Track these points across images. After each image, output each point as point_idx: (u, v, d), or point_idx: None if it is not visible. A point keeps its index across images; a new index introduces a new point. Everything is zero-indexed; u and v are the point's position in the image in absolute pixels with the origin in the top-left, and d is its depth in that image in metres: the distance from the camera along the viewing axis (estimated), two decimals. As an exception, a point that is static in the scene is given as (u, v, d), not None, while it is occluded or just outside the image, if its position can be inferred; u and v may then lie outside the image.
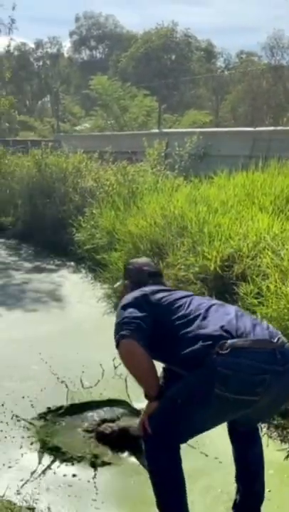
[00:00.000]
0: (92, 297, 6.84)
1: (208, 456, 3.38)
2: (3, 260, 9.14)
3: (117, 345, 2.49)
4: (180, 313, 2.55)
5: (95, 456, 3.32)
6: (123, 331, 2.47)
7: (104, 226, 8.06)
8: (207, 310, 2.56)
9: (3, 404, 3.96)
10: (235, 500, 2.78)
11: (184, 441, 2.60)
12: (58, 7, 60.68)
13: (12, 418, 3.77)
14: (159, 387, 2.56)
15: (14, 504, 2.80)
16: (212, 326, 2.44)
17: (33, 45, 42.54)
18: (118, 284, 3.29)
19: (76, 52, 43.79)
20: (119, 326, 2.51)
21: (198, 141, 10.66)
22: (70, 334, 5.55)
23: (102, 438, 3.47)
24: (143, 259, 3.30)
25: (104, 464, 3.28)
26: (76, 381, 4.31)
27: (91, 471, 3.21)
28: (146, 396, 2.59)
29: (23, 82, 38.29)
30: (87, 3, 53.21)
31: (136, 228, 7.13)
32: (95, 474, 3.19)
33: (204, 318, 2.50)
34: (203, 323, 2.47)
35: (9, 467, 3.22)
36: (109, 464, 3.29)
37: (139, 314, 2.52)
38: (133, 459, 3.34)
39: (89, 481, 3.12)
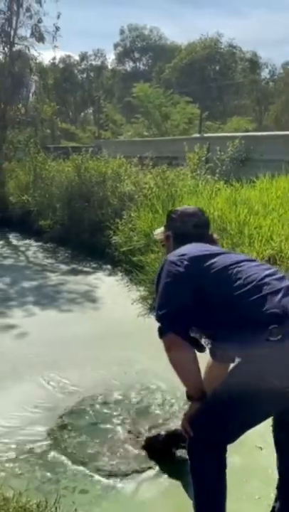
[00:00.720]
0: (127, 299, 6.71)
1: (248, 462, 3.16)
2: (40, 262, 9.12)
3: (160, 336, 2.31)
4: (230, 286, 2.24)
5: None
6: (165, 323, 2.29)
7: (141, 228, 7.95)
8: (259, 286, 2.22)
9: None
10: (274, 507, 2.56)
11: (232, 440, 2.37)
12: (104, 22, 61.70)
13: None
14: (202, 387, 2.37)
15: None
16: (266, 304, 2.15)
17: (77, 58, 43.29)
18: (158, 231, 2.82)
19: (120, 63, 44.27)
20: (160, 317, 2.31)
21: (240, 146, 10.45)
22: (103, 334, 5.41)
23: (150, 443, 3.22)
24: (190, 208, 2.88)
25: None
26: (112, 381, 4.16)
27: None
28: (189, 396, 2.41)
29: (67, 93, 38.92)
30: (132, 16, 53.90)
31: (174, 230, 6.98)
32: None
33: (257, 293, 2.19)
34: (255, 299, 2.18)
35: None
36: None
37: (181, 299, 2.29)
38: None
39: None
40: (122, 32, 43.32)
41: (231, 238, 6.18)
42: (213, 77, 36.15)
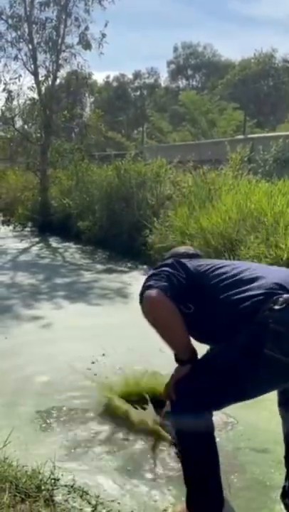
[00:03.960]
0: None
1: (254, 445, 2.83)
2: (76, 262, 9.05)
3: (141, 300, 2.08)
4: (225, 275, 2.10)
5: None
6: (151, 282, 2.07)
7: (177, 226, 7.76)
8: (256, 269, 2.13)
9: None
10: (284, 486, 2.29)
11: (218, 408, 2.16)
12: (159, 42, 62.65)
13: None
14: (190, 346, 2.10)
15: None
16: (263, 280, 1.99)
17: (131, 77, 43.97)
18: None
19: (173, 81, 44.58)
20: (147, 279, 2.13)
21: (284, 145, 10.09)
22: (131, 326, 5.18)
23: None
24: (181, 247, 2.76)
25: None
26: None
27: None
28: (177, 359, 2.14)
29: (120, 111, 39.45)
30: (187, 37, 54.45)
31: (208, 223, 6.80)
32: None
33: (253, 275, 2.05)
34: (252, 280, 2.03)
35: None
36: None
37: (172, 271, 2.11)
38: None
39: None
40: (175, 49, 43.74)
41: (266, 229, 5.89)
42: (266, 91, 35.72)
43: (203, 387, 2.00)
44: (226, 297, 2.01)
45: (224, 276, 2.09)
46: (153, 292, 2.02)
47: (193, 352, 2.10)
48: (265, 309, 1.88)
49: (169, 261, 2.21)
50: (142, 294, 2.09)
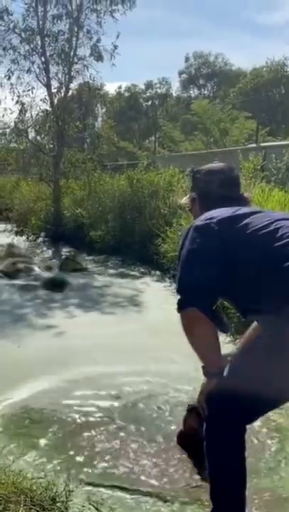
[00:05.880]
0: (172, 304, 6.41)
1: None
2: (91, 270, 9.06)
3: (179, 310, 2.09)
4: (266, 249, 1.96)
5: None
6: (186, 297, 2.07)
7: (190, 235, 7.73)
8: None
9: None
10: None
11: (252, 420, 2.15)
12: (171, 52, 63.04)
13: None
14: (220, 362, 2.10)
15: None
16: None
17: (143, 87, 44.13)
18: (184, 199, 2.56)
19: (184, 91, 44.69)
20: (182, 290, 2.10)
21: (298, 153, 10.04)
22: (144, 334, 5.19)
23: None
24: (216, 165, 2.50)
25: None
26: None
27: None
28: (205, 372, 2.14)
29: (132, 121, 39.64)
30: (199, 47, 54.65)
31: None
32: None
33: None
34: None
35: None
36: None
37: (207, 270, 2.03)
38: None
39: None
40: (187, 59, 43.88)
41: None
42: (278, 100, 35.68)
43: (233, 400, 1.93)
44: (271, 276, 1.92)
45: (272, 246, 1.94)
46: (190, 313, 2.04)
47: (222, 368, 2.08)
48: None
49: (204, 237, 2.07)
50: (178, 307, 2.07)
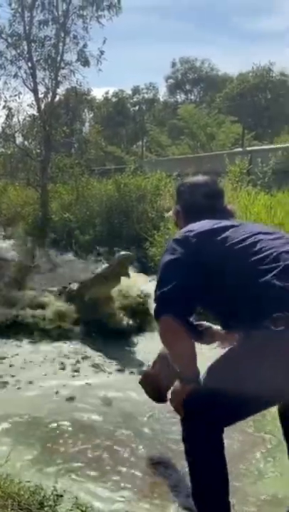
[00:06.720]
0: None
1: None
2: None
3: (155, 317, 2.11)
4: (241, 263, 2.00)
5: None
6: (162, 304, 2.07)
7: (177, 238, 7.76)
8: (272, 262, 1.96)
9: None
10: None
11: (229, 423, 2.10)
12: (158, 58, 63.20)
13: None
14: (196, 369, 2.09)
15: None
16: (273, 286, 1.89)
17: (130, 92, 44.23)
18: (170, 212, 2.60)
19: (171, 96, 44.88)
20: (158, 298, 2.09)
21: (283, 157, 10.16)
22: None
23: None
24: (200, 178, 2.53)
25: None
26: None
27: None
28: (181, 378, 2.12)
29: (120, 126, 39.68)
30: (186, 53, 54.86)
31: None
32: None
33: (268, 272, 1.93)
34: (264, 280, 1.92)
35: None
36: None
37: (183, 279, 2.05)
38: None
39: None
40: (173, 65, 44.04)
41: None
42: (264, 104, 35.97)
43: (211, 403, 1.95)
44: (243, 289, 1.97)
45: (247, 262, 1.98)
46: (167, 321, 2.04)
47: (198, 374, 2.07)
48: (262, 327, 1.85)
49: (182, 247, 2.08)
50: (156, 315, 2.09)
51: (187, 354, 2.07)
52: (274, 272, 1.90)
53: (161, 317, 2.05)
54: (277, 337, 1.82)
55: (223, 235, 2.08)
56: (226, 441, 2.00)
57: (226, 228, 2.12)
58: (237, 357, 2.00)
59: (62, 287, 5.87)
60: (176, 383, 2.15)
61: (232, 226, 2.14)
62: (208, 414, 1.96)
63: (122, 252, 5.66)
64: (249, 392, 1.89)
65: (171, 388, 2.17)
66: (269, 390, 1.89)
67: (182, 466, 2.50)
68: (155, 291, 2.11)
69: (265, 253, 1.97)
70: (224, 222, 2.17)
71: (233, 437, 2.90)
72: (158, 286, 2.10)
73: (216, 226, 2.14)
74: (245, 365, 1.91)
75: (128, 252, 5.70)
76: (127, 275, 5.25)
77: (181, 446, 2.07)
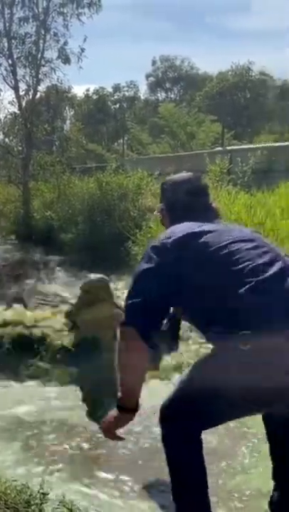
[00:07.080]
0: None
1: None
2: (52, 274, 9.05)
3: (121, 326, 2.02)
4: (215, 272, 1.95)
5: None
6: (128, 315, 2.01)
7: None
8: (247, 274, 1.92)
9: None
10: (272, 496, 2.23)
11: (205, 428, 2.08)
12: (138, 56, 63.22)
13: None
14: (137, 398, 2.04)
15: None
16: (242, 301, 1.88)
17: (110, 90, 44.12)
18: (156, 212, 2.55)
19: (152, 94, 44.93)
20: (126, 307, 2.04)
21: (262, 157, 10.27)
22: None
23: None
24: (183, 175, 2.40)
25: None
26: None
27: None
28: (119, 405, 2.04)
29: (100, 124, 39.58)
30: (165, 51, 54.92)
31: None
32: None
33: (242, 285, 1.89)
34: (238, 293, 1.89)
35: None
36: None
37: (153, 291, 1.98)
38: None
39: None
40: (154, 63, 44.10)
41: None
42: (244, 104, 36.23)
43: (190, 411, 1.94)
44: (216, 301, 1.94)
45: (222, 271, 1.94)
46: (128, 334, 1.97)
47: (137, 404, 2.04)
48: (230, 345, 1.84)
49: (160, 255, 2.00)
50: (123, 320, 2.01)
51: (139, 368, 2.02)
52: (249, 286, 1.87)
53: (124, 328, 1.99)
54: (243, 358, 1.81)
55: (204, 240, 2.02)
56: (208, 437, 2.04)
57: (207, 232, 2.05)
58: (214, 364, 1.96)
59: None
60: (111, 412, 2.07)
61: (214, 230, 2.07)
62: (186, 421, 1.95)
63: (92, 276, 4.92)
64: (222, 403, 1.89)
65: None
66: (239, 405, 1.90)
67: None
68: (126, 299, 2.05)
69: (243, 264, 1.93)
70: (206, 226, 2.10)
71: (216, 433, 2.95)
72: (129, 296, 2.03)
73: (197, 230, 2.06)
74: (215, 378, 1.89)
75: (100, 277, 4.85)
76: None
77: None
